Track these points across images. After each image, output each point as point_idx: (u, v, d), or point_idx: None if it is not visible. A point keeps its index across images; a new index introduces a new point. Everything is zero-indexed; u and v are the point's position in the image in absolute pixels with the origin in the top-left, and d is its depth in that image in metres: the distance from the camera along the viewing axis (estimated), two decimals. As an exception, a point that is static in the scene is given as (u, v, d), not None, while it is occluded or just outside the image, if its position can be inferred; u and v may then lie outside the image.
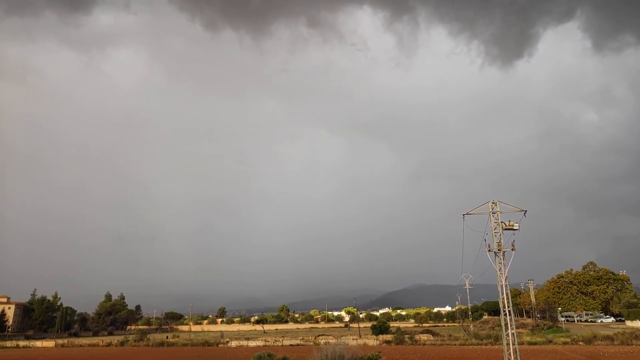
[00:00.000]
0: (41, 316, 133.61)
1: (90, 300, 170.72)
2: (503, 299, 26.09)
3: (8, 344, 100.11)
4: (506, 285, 25.91)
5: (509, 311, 25.87)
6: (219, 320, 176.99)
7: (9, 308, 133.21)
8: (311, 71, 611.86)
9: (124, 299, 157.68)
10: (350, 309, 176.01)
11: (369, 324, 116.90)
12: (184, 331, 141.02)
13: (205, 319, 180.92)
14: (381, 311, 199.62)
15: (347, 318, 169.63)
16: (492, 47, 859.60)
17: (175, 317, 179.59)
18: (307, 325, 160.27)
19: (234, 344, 78.64)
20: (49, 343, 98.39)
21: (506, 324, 26.64)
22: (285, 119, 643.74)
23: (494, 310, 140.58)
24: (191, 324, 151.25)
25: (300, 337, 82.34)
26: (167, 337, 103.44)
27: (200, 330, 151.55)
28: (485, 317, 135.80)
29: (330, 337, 77.05)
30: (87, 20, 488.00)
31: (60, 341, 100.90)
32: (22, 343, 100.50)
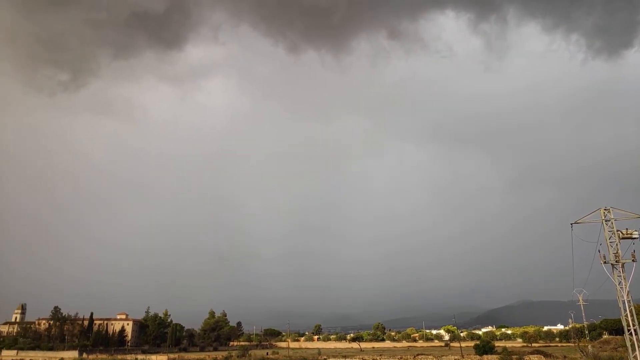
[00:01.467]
0: (155, 332, 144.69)
1: (196, 317, 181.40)
2: (626, 316, 23.29)
3: (128, 357, 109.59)
4: (629, 301, 23.12)
5: (635, 330, 23.02)
6: (315, 337, 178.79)
7: (128, 324, 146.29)
8: (395, 84, 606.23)
9: (225, 315, 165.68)
10: (449, 327, 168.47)
11: (471, 344, 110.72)
12: (283, 348, 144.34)
13: (302, 336, 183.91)
14: (483, 330, 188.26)
15: (446, 337, 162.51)
16: (595, 39, 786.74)
17: (273, 334, 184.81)
18: (404, 343, 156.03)
19: (331, 361, 78.80)
20: (162, 357, 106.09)
21: (632, 345, 23.70)
22: (370, 133, 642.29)
23: (615, 329, 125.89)
24: (289, 340, 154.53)
25: (399, 356, 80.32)
26: (267, 354, 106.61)
27: (297, 347, 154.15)
28: (605, 336, 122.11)
29: (430, 357, 74.24)
30: (181, 56, 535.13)
31: (172, 355, 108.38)
32: (139, 356, 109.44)
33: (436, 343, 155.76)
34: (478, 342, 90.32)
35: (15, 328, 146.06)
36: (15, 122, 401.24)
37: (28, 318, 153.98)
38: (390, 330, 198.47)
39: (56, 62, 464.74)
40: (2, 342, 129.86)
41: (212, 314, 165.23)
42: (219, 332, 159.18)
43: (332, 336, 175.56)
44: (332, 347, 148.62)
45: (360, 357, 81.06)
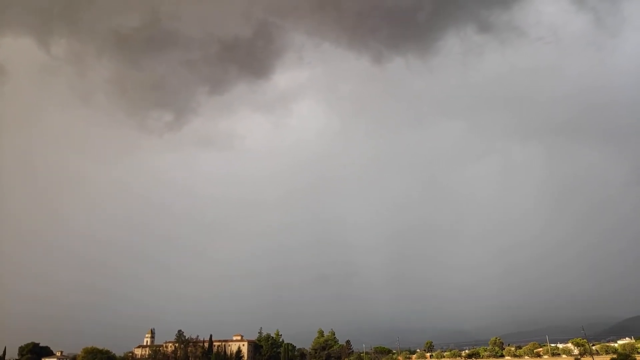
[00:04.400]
0: (268, 352, 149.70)
1: (305, 336, 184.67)
2: None
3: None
4: None
5: None
6: (428, 354, 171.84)
7: (243, 345, 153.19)
8: (490, 80, 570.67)
9: (334, 334, 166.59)
10: (578, 340, 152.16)
11: (606, 358, 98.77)
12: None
13: (413, 353, 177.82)
14: (620, 342, 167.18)
15: (575, 351, 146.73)
16: None
17: (384, 352, 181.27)
18: (527, 359, 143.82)
19: (447, 379, 74.97)
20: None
21: None
22: (469, 137, 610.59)
23: None
24: (400, 358, 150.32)
25: (521, 373, 74.01)
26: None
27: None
28: None
29: (558, 373, 67.31)
30: (269, 85, 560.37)
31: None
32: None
33: (564, 358, 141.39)
34: (615, 356, 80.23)
35: (147, 351, 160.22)
36: (135, 164, 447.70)
37: (157, 341, 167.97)
38: (509, 345, 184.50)
39: (161, 105, 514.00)
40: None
41: (320, 332, 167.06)
42: (329, 350, 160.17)
43: (445, 353, 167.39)
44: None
45: (478, 374, 75.95)
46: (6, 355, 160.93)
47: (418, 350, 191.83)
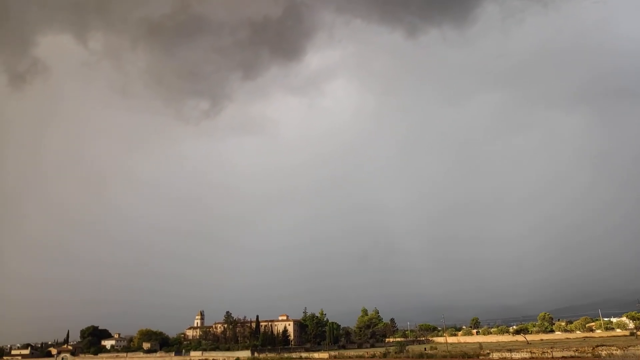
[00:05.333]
0: (314, 331, 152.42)
1: (349, 315, 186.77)
2: None
3: (293, 355, 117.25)
4: None
5: None
6: (474, 331, 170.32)
7: (289, 325, 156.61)
8: (532, 47, 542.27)
9: (378, 313, 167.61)
10: (633, 313, 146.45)
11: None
12: (440, 343, 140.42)
13: (459, 330, 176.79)
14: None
15: (630, 325, 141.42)
16: None
17: (429, 329, 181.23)
18: (578, 334, 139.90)
19: (495, 355, 74.14)
20: (323, 355, 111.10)
21: None
22: (510, 109, 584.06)
23: None
24: (446, 335, 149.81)
25: (574, 348, 72.09)
26: (425, 349, 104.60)
27: (456, 341, 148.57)
28: None
29: (613, 348, 65.08)
30: (301, 66, 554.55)
31: (332, 353, 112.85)
32: (303, 354, 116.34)
33: (619, 332, 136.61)
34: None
35: (198, 332, 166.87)
36: (174, 153, 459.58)
37: (206, 323, 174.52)
38: (559, 320, 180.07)
39: (197, 93, 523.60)
40: (189, 345, 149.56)
41: (364, 311, 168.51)
42: (373, 329, 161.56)
43: (492, 329, 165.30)
44: (494, 341, 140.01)
45: (528, 350, 74.50)
46: (69, 338, 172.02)
47: (464, 327, 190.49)
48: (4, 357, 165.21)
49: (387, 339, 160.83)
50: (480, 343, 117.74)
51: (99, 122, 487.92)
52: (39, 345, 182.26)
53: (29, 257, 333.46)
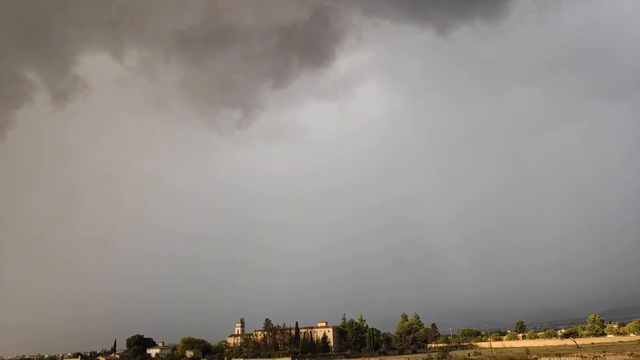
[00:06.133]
0: (353, 337, 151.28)
1: (388, 321, 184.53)
2: None
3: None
4: None
5: None
6: (520, 335, 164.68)
7: (329, 331, 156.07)
8: (569, 38, 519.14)
9: (418, 318, 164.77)
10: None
11: None
12: (484, 348, 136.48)
13: (503, 335, 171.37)
14: None
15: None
16: None
17: (471, 334, 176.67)
18: (632, 337, 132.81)
19: (543, 360, 71.29)
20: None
21: None
22: (547, 103, 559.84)
23: None
24: (490, 340, 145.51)
25: (628, 352, 68.48)
26: (468, 354, 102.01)
27: (500, 346, 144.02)
28: None
29: (672, 351, 61.45)
30: (330, 71, 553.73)
31: (373, 359, 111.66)
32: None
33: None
34: None
35: (239, 340, 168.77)
36: (209, 164, 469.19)
37: (247, 330, 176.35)
38: (611, 322, 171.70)
39: (229, 103, 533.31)
40: (231, 352, 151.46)
41: (404, 317, 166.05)
42: (414, 334, 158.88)
43: (539, 333, 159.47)
44: (542, 345, 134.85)
45: (579, 354, 71.34)
46: (116, 347, 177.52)
47: (509, 331, 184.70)
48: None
49: (428, 345, 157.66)
50: (526, 347, 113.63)
51: (137, 135, 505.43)
52: (89, 355, 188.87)
53: (72, 269, 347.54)
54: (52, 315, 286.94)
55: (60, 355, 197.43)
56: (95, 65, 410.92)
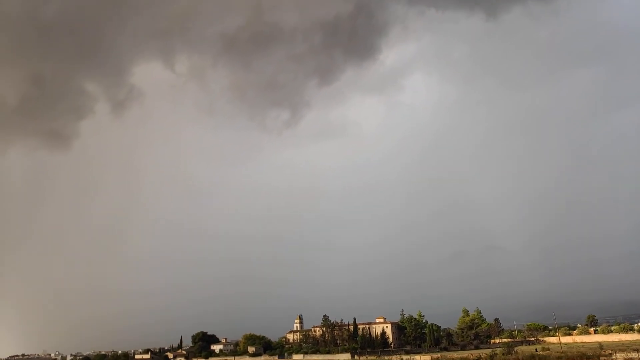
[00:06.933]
0: (413, 333, 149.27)
1: (448, 316, 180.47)
2: None
3: (394, 357, 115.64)
4: None
5: None
6: (591, 329, 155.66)
7: (387, 327, 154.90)
8: (633, 11, 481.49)
9: (480, 313, 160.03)
10: None
11: None
12: (553, 343, 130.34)
13: (573, 329, 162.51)
14: None
15: None
16: None
17: (538, 329, 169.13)
18: None
19: (619, 356, 67.06)
20: (425, 357, 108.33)
21: None
22: (609, 84, 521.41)
23: None
24: (559, 335, 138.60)
25: None
26: (536, 350, 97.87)
27: (570, 341, 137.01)
28: None
29: None
30: (377, 65, 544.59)
31: (434, 355, 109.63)
32: (404, 357, 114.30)
33: None
34: None
35: (298, 335, 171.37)
36: (261, 165, 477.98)
37: (305, 326, 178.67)
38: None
39: (276, 103, 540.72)
40: (291, 348, 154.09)
41: (465, 312, 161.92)
42: (476, 330, 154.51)
43: (613, 327, 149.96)
44: (616, 340, 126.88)
45: (660, 350, 66.27)
46: (182, 343, 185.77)
47: (579, 325, 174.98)
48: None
49: (492, 340, 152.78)
50: (600, 343, 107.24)
51: (190, 141, 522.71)
52: (157, 350, 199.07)
53: (139, 270, 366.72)
54: (122, 314, 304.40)
55: (132, 351, 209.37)
56: (148, 74, 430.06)
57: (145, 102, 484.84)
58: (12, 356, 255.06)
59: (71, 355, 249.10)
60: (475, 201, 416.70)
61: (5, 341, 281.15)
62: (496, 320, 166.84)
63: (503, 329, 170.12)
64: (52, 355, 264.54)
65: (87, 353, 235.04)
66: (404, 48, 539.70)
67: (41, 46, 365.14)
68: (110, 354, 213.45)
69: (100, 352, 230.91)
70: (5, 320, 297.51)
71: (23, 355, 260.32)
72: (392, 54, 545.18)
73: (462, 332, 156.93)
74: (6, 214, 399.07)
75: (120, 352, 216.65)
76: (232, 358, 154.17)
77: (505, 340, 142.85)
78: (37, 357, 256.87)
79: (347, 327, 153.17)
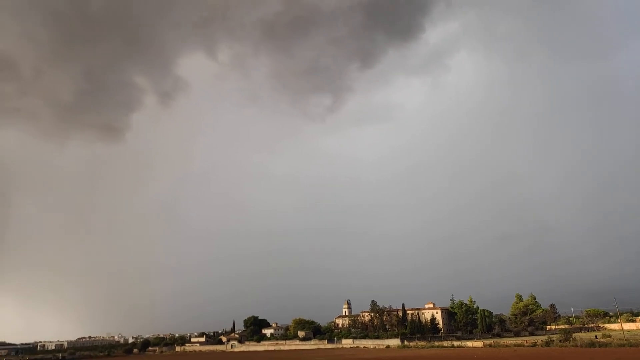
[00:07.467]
0: (463, 319, 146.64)
1: (500, 302, 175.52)
2: None
3: (444, 343, 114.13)
4: None
5: None
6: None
7: (437, 313, 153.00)
8: None
9: (535, 298, 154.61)
10: None
11: None
12: (614, 330, 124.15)
13: (637, 316, 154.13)
14: None
15: None
16: None
17: (597, 315, 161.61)
18: None
19: (691, 345, 62.71)
20: (477, 343, 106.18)
21: None
22: None
23: None
24: (621, 321, 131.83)
25: None
26: (595, 337, 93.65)
27: (634, 328, 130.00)
28: None
29: None
30: (419, 45, 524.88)
31: (486, 341, 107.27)
32: (455, 343, 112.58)
33: None
34: None
35: (346, 320, 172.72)
36: (304, 152, 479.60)
37: (353, 311, 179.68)
38: None
39: (318, 89, 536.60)
40: (340, 333, 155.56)
41: (518, 297, 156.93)
42: (530, 316, 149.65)
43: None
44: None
45: None
46: (235, 327, 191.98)
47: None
48: (187, 344, 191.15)
49: (547, 327, 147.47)
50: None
51: (235, 129, 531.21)
52: (212, 334, 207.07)
53: (192, 256, 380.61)
54: (179, 300, 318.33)
55: (188, 334, 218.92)
56: (192, 64, 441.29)
57: (191, 93, 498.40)
58: (80, 338, 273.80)
59: (132, 337, 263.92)
60: (525, 182, 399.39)
61: (73, 324, 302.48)
62: (552, 305, 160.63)
63: (559, 315, 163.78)
64: (115, 337, 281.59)
65: (147, 336, 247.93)
66: (449, 25, 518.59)
67: (91, 42, 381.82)
68: (168, 337, 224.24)
69: (158, 335, 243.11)
70: (72, 304, 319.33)
71: (89, 337, 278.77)
72: (436, 32, 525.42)
73: (516, 318, 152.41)
74: (68, 203, 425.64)
75: (177, 335, 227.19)
76: (283, 342, 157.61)
77: (562, 326, 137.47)
78: (102, 339, 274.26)
79: (395, 313, 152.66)
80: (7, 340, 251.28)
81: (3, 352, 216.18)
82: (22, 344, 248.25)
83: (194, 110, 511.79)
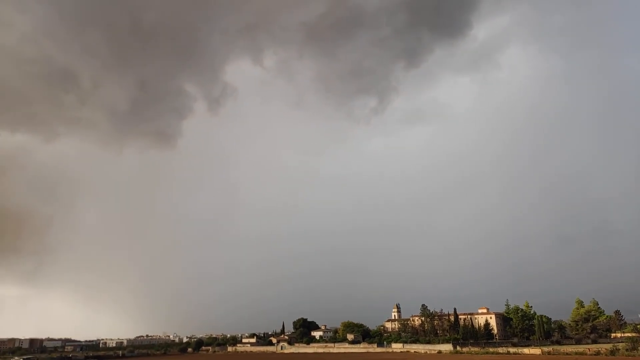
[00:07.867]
0: (519, 325, 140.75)
1: (558, 308, 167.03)
2: None
3: (500, 350, 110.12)
4: None
5: None
6: None
7: (491, 318, 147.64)
8: None
9: (597, 304, 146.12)
10: None
11: None
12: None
13: None
14: None
15: None
16: None
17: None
18: None
19: None
20: (535, 350, 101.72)
21: None
22: None
23: None
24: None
25: None
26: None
27: None
28: None
29: None
30: (467, 41, 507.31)
31: (545, 348, 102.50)
32: (511, 349, 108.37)
33: None
34: None
35: (396, 324, 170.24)
36: (350, 155, 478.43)
37: (403, 315, 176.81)
38: None
39: (363, 91, 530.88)
40: (389, 337, 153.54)
41: (579, 303, 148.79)
42: (593, 322, 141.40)
43: None
44: None
45: None
46: (284, 329, 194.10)
47: None
48: (238, 344, 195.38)
49: (612, 334, 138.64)
50: None
51: (281, 133, 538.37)
52: (262, 335, 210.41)
53: (241, 258, 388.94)
54: (230, 301, 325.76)
55: (240, 335, 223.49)
56: (239, 71, 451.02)
57: (238, 98, 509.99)
58: (138, 336, 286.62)
59: (187, 337, 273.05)
60: (584, 183, 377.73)
61: (133, 323, 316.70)
62: (617, 312, 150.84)
63: (625, 322, 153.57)
64: (171, 337, 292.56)
65: (201, 336, 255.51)
66: (498, 21, 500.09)
67: (143, 52, 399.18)
68: (220, 337, 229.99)
69: (211, 335, 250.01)
70: (132, 305, 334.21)
71: (147, 335, 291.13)
72: (484, 28, 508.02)
73: (577, 325, 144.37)
74: (126, 209, 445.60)
75: (229, 335, 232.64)
76: (332, 344, 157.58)
77: (629, 334, 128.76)
78: (158, 338, 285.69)
79: (447, 317, 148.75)
80: (73, 337, 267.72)
81: (69, 348, 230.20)
82: (86, 341, 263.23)
83: (241, 115, 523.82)
